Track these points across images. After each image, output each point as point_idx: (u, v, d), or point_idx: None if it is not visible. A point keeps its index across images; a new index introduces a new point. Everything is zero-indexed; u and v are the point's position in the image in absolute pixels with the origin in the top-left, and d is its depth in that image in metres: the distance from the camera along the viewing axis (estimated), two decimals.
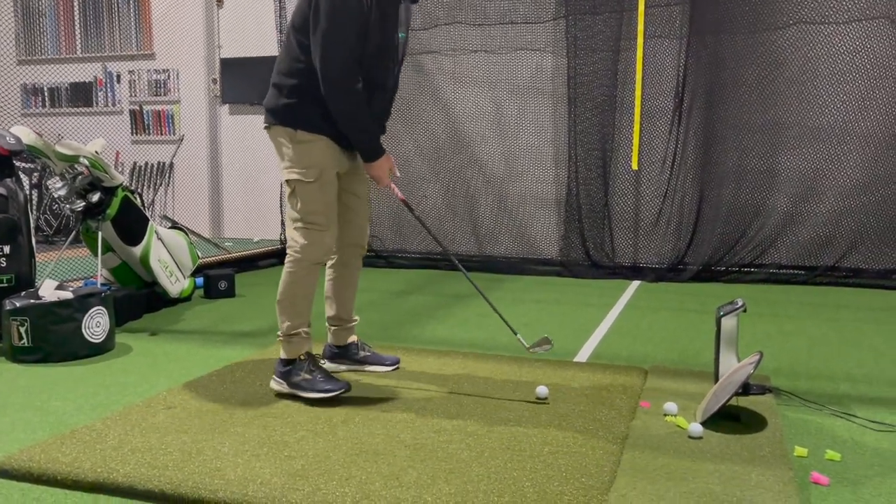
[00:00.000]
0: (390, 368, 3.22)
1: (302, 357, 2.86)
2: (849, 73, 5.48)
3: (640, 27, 5.70)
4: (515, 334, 3.03)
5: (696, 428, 2.44)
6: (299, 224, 2.83)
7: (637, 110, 5.76)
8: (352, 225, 3.07)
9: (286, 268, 2.87)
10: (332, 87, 2.70)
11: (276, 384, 2.88)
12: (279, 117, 2.83)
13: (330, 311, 3.18)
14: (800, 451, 2.32)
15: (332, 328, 3.21)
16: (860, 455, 2.33)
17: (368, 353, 3.24)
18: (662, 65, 5.85)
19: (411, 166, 6.46)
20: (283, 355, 2.88)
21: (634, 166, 5.80)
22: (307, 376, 2.82)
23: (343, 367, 3.20)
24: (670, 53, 5.81)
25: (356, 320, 3.24)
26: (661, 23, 5.81)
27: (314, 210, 2.82)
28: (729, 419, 2.58)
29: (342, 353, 3.22)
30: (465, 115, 6.38)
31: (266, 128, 2.90)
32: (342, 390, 2.79)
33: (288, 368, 2.85)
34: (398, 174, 3.00)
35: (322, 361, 3.14)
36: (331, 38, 2.65)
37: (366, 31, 2.70)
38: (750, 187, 5.75)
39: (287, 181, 2.84)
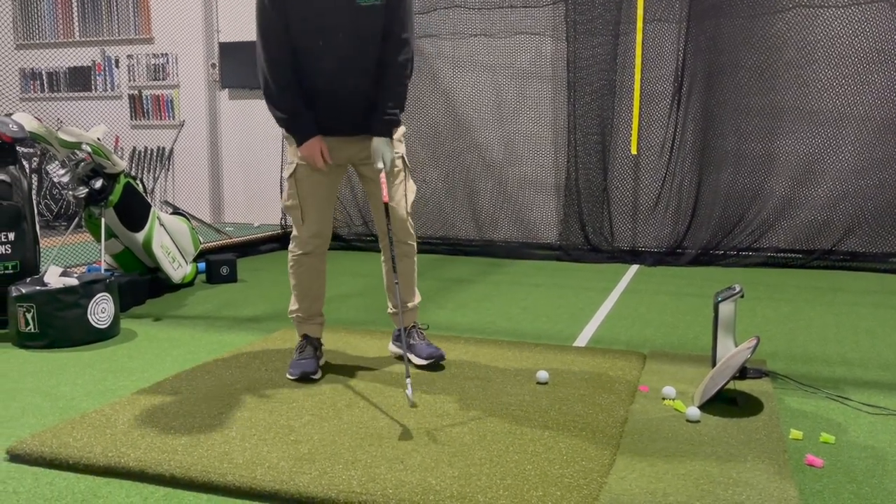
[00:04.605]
0: (423, 362, 3.07)
1: (300, 337, 3.08)
2: (847, 57, 5.49)
3: (640, 11, 5.70)
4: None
5: (693, 411, 2.48)
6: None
7: (636, 94, 5.78)
8: (378, 214, 3.01)
9: None
10: (257, 58, 2.76)
11: None
12: None
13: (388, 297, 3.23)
14: (795, 433, 2.37)
15: (390, 313, 3.22)
16: (854, 438, 2.38)
17: (413, 342, 3.14)
18: (662, 49, 5.85)
19: (410, 151, 6.46)
20: None
21: (633, 151, 5.82)
22: (294, 356, 3.03)
23: (400, 351, 3.19)
24: (669, 37, 5.82)
25: (406, 307, 3.14)
26: (660, 7, 5.81)
27: (291, 204, 2.96)
28: (726, 403, 2.63)
29: (398, 336, 3.22)
30: (464, 99, 6.39)
31: None
32: (296, 377, 2.91)
33: None
34: (329, 160, 2.86)
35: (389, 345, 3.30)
36: (257, 10, 2.73)
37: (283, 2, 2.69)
38: (748, 171, 5.78)
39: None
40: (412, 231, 3.08)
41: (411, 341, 3.13)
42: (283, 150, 6.78)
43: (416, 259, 3.15)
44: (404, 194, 3.01)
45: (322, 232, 2.97)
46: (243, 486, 2.02)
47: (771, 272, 5.51)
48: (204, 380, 2.92)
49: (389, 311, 3.19)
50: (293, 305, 3.07)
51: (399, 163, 3.00)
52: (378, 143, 2.84)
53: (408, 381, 2.51)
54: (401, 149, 3.01)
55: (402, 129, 2.99)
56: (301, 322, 3.07)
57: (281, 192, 6.82)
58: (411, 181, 3.07)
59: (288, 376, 2.94)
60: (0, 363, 3.22)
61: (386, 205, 2.85)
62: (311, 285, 3.02)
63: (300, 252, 2.97)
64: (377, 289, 4.89)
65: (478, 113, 6.39)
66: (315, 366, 2.96)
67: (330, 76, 2.79)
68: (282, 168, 6.81)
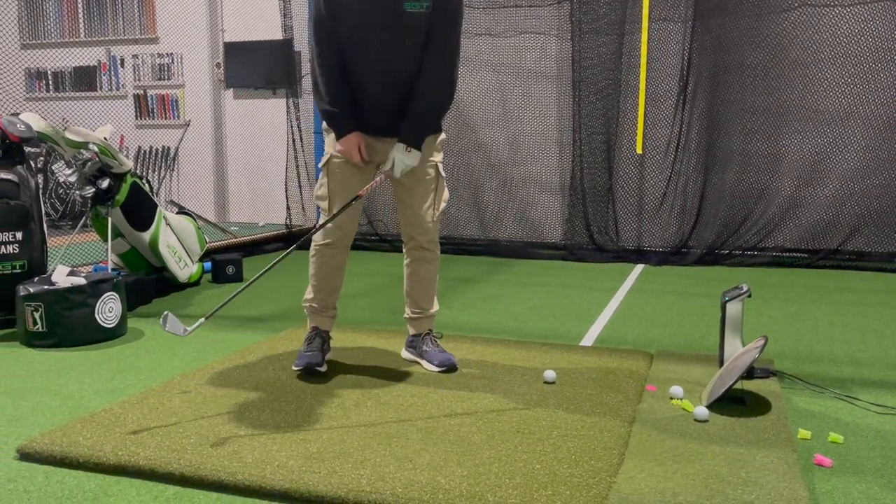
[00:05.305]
0: (435, 369, 3.04)
1: (309, 329, 3.10)
2: (852, 56, 5.49)
3: (645, 10, 5.70)
4: None
5: (701, 411, 2.48)
6: None
7: (641, 94, 5.78)
8: (402, 217, 3.04)
9: None
10: (310, 53, 2.86)
11: None
12: None
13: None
14: (803, 433, 2.37)
15: (406, 317, 3.22)
16: (862, 437, 2.38)
17: (426, 349, 3.12)
18: (667, 48, 5.85)
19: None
20: None
21: (639, 150, 5.82)
22: (302, 348, 3.06)
23: (413, 356, 3.18)
24: (675, 37, 5.82)
25: (420, 313, 3.15)
26: (665, 6, 5.81)
27: (321, 194, 2.99)
28: (734, 402, 2.63)
29: (412, 342, 3.20)
30: (469, 98, 6.39)
31: None
32: (300, 369, 2.95)
33: None
34: (365, 157, 2.89)
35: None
36: (314, 9, 2.82)
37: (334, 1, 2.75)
38: (753, 170, 5.78)
39: None
40: (437, 239, 3.08)
41: (425, 347, 3.12)
42: (288, 148, 6.79)
43: (437, 267, 3.13)
44: (433, 203, 3.00)
45: (346, 225, 2.97)
46: (253, 484, 2.03)
47: (777, 272, 5.50)
48: (211, 379, 2.92)
49: (406, 315, 3.19)
50: (308, 294, 3.08)
51: (432, 171, 2.98)
52: (398, 148, 2.82)
53: (202, 320, 2.61)
54: (437, 157, 2.99)
55: (441, 136, 2.97)
56: (314, 312, 3.09)
57: (286, 191, 6.83)
58: (445, 190, 3.05)
59: (293, 367, 2.97)
60: (8, 362, 3.24)
61: (359, 196, 2.86)
62: (329, 276, 3.03)
63: (322, 242, 2.99)
64: (382, 288, 4.89)
65: (482, 112, 6.39)
66: (321, 358, 2.98)
67: (370, 77, 2.83)
68: (292, 161, 6.81)
